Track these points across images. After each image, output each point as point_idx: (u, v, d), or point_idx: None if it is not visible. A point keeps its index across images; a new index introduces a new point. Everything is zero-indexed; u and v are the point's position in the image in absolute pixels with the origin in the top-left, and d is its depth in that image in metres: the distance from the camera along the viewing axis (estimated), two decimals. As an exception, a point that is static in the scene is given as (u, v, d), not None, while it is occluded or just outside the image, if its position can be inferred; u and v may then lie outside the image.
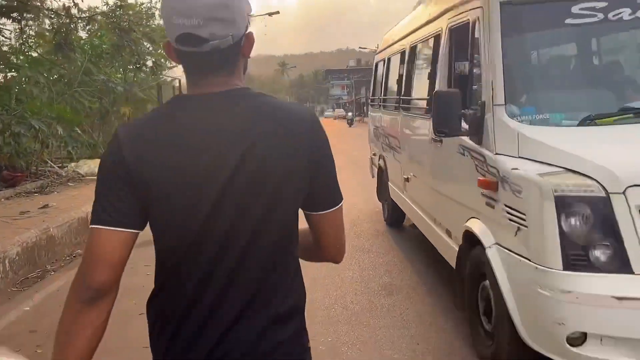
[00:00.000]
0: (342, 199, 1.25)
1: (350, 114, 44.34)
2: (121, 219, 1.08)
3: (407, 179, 5.47)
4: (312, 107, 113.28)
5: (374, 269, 5.27)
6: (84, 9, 10.33)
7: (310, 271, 3.97)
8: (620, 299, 2.31)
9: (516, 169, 2.77)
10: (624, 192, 2.36)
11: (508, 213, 2.78)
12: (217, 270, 1.11)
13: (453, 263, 3.77)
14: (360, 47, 47.60)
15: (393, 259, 5.57)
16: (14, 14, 9.73)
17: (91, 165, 10.93)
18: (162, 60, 13.63)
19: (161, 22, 10.62)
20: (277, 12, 25.74)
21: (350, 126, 41.63)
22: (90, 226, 1.09)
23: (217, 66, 1.12)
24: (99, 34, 11.55)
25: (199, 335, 1.11)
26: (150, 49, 13.88)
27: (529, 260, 2.56)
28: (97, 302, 1.08)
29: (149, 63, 13.97)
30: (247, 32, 1.15)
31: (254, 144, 1.08)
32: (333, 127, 43.58)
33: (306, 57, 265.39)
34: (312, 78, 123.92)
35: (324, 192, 1.22)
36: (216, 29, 1.06)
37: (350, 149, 19.14)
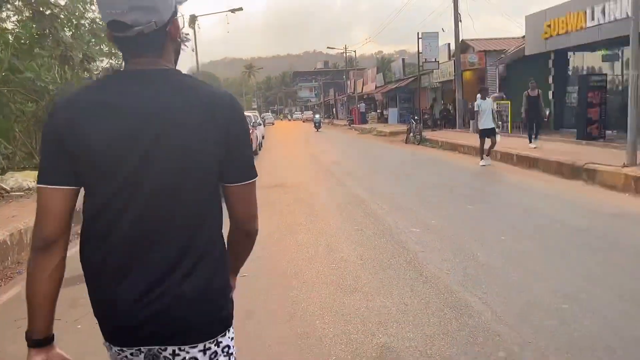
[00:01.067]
0: (255, 175, 1.39)
1: (317, 116, 38.34)
2: (60, 178, 1.26)
3: None
4: (280, 109, 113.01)
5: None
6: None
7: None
8: None
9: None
10: None
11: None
12: (140, 224, 1.26)
13: None
14: (328, 47, 46.36)
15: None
16: None
17: (19, 179, 9.25)
18: (95, 52, 11.91)
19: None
20: (241, 9, 24.28)
21: (317, 130, 35.76)
22: (37, 185, 1.28)
23: (144, 48, 1.29)
24: (22, 22, 9.84)
25: (128, 281, 1.26)
26: (93, 42, 12.23)
27: None
28: (49, 249, 1.27)
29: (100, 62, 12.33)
30: (173, 17, 1.31)
31: (175, 112, 1.24)
32: (299, 129, 42.06)
33: (273, 60, 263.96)
34: (280, 80, 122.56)
35: (237, 165, 1.34)
36: (138, 15, 1.23)
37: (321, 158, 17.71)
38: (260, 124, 27.02)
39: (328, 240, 5.90)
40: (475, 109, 11.95)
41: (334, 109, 65.79)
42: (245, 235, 1.45)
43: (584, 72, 17.67)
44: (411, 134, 20.22)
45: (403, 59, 36.72)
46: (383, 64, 59.52)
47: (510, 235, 5.70)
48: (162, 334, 1.27)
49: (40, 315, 1.27)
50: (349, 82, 54.66)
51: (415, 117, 20.43)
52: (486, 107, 11.80)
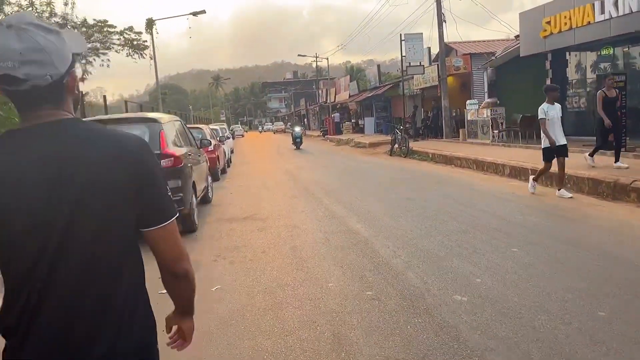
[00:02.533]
0: (174, 214, 1.36)
1: (298, 129, 27.13)
2: None
3: None
4: (250, 120, 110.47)
5: None
6: None
7: None
8: None
9: None
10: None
11: None
12: (48, 289, 1.23)
13: None
14: (299, 55, 44.36)
15: None
16: None
17: None
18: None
19: None
20: (204, 12, 22.07)
21: (297, 148, 25.59)
22: None
23: (40, 101, 1.27)
24: None
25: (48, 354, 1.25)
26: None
27: None
28: None
29: None
30: (71, 69, 1.30)
31: (75, 169, 1.22)
32: (271, 141, 39.60)
33: (241, 71, 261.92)
34: (249, 91, 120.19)
35: (152, 208, 1.32)
36: (32, 69, 1.20)
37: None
38: (228, 137, 24.74)
39: (335, 331, 3.76)
40: (541, 116, 8.28)
41: (305, 120, 63.76)
42: (174, 278, 1.40)
43: (580, 75, 16.13)
44: (396, 146, 18.30)
45: (378, 65, 35.06)
46: (353, 73, 58.00)
47: None
48: None
49: None
50: (320, 92, 52.81)
51: (400, 127, 18.51)
52: (554, 114, 8.26)
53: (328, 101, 44.80)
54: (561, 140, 8.20)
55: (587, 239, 5.62)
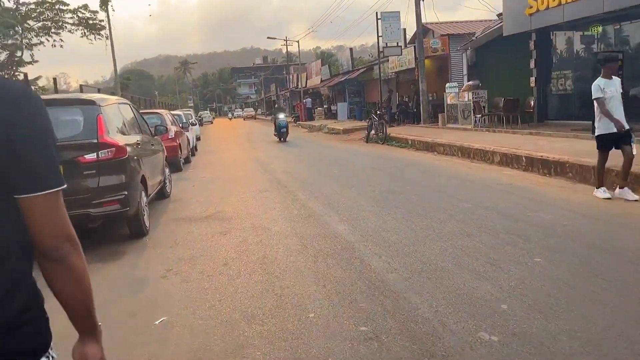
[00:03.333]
0: (59, 184, 1.12)
1: (282, 115, 20.43)
2: None
3: None
4: (220, 107, 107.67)
5: None
6: None
7: None
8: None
9: None
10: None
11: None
12: None
13: None
14: (268, 37, 42.40)
15: None
16: None
17: None
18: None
19: None
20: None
21: (281, 140, 20.02)
22: None
23: None
24: None
25: None
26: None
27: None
28: None
29: None
30: None
31: None
32: (241, 127, 38.13)
33: (210, 57, 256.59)
34: (218, 77, 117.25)
35: (27, 171, 1.08)
36: None
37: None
38: (194, 124, 23.24)
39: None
40: (597, 94, 6.42)
41: (275, 105, 62.13)
42: (50, 262, 1.13)
43: (568, 55, 15.35)
44: (372, 132, 17.25)
45: (351, 49, 33.87)
46: (324, 58, 56.62)
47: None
48: None
49: None
50: (291, 77, 51.30)
51: (377, 112, 17.43)
52: (613, 91, 6.42)
53: (299, 86, 43.40)
54: (621, 124, 6.32)
55: (626, 245, 4.66)
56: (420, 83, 19.21)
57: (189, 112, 26.64)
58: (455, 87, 17.28)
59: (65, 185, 1.14)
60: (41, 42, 21.20)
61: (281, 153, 16.21)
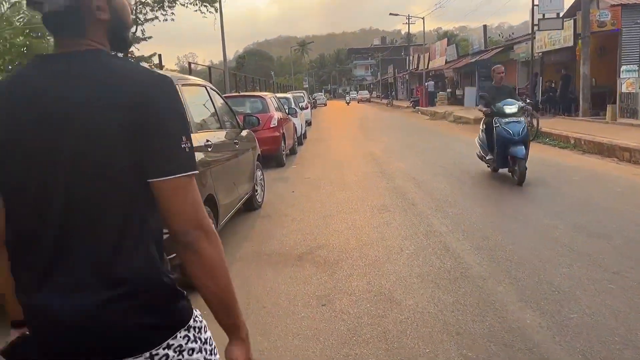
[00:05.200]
0: (189, 169, 1.12)
1: (514, 108, 7.55)
2: None
3: None
4: (334, 88, 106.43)
5: None
6: None
7: None
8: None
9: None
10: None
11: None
12: (48, 233, 1.09)
13: None
14: (390, 14, 39.23)
15: None
16: None
17: None
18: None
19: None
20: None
21: (515, 179, 7.53)
22: None
23: (62, 28, 1.15)
24: None
25: (40, 298, 1.10)
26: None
27: None
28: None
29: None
30: None
31: (79, 106, 1.07)
32: (355, 117, 35.74)
33: (328, 38, 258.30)
34: (334, 58, 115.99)
35: (159, 155, 1.10)
36: None
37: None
38: (305, 108, 21.28)
39: None
40: None
41: (392, 89, 58.89)
42: (184, 249, 1.12)
43: None
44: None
45: (485, 26, 29.71)
46: (449, 38, 52.10)
47: None
48: (83, 347, 1.09)
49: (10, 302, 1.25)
50: (411, 58, 47.76)
51: (528, 101, 13.97)
52: None
53: (420, 68, 39.89)
54: None
55: None
56: (581, 65, 15.29)
57: (301, 95, 24.75)
58: (635, 70, 13.27)
59: (197, 171, 1.14)
60: (156, 17, 20.44)
61: (401, 148, 13.54)
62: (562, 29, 16.38)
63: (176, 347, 1.13)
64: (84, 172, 1.07)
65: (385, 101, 52.10)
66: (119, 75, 1.10)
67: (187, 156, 1.12)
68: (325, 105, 55.89)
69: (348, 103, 54.25)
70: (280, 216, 6.48)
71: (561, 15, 17.38)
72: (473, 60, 28.29)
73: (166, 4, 19.94)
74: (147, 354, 1.10)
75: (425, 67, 37.99)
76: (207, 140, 4.63)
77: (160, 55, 14.65)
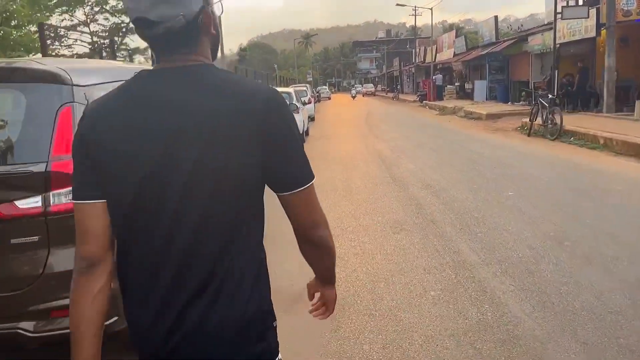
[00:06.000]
0: (309, 180, 1.18)
1: None
2: (90, 192, 1.12)
3: None
4: (339, 82, 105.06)
5: None
6: None
7: None
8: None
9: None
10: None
11: None
12: (169, 250, 1.10)
13: None
14: (397, 4, 37.94)
15: None
16: None
17: None
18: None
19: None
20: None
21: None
22: (72, 201, 1.15)
23: (175, 46, 1.13)
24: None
25: (157, 314, 1.11)
26: None
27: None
28: (92, 271, 1.13)
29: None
30: (204, 8, 1.13)
31: (200, 119, 1.07)
32: (360, 111, 34.62)
33: (333, 31, 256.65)
34: (339, 51, 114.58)
35: (283, 173, 1.15)
36: (164, 10, 1.07)
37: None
38: (308, 103, 20.19)
39: None
40: None
41: (398, 82, 57.58)
42: (310, 245, 1.26)
43: None
44: (538, 120, 12.80)
45: (496, 17, 28.42)
46: (457, 30, 50.74)
47: None
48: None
49: (84, 347, 1.12)
50: (417, 51, 46.46)
51: (547, 94, 12.82)
52: None
53: (427, 61, 38.64)
54: None
55: None
56: (606, 57, 14.11)
57: (304, 88, 23.59)
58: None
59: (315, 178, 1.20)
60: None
61: (411, 146, 12.45)
62: (588, 17, 15.18)
63: None
64: (218, 182, 1.08)
65: (390, 95, 50.79)
66: (241, 86, 1.12)
67: (306, 166, 1.17)
68: (329, 99, 54.68)
69: (354, 97, 52.66)
70: (278, 238, 5.43)
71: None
72: (484, 52, 27.07)
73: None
74: None
75: (433, 59, 36.75)
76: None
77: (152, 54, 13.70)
